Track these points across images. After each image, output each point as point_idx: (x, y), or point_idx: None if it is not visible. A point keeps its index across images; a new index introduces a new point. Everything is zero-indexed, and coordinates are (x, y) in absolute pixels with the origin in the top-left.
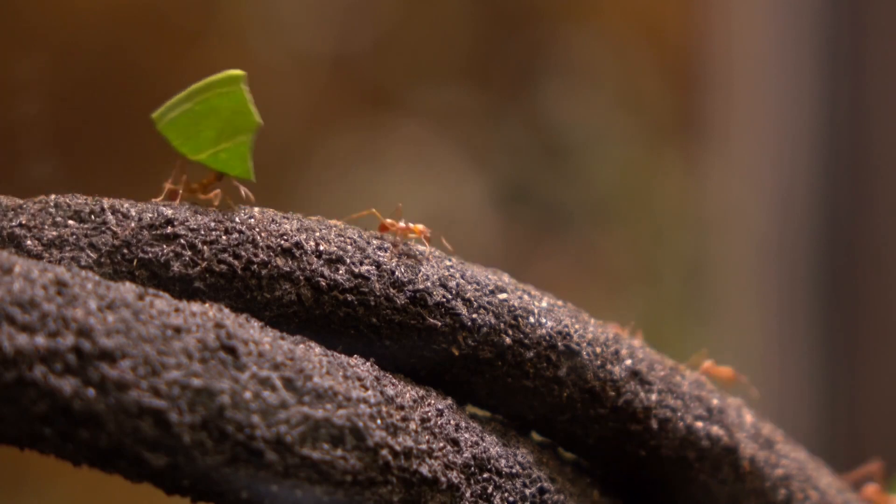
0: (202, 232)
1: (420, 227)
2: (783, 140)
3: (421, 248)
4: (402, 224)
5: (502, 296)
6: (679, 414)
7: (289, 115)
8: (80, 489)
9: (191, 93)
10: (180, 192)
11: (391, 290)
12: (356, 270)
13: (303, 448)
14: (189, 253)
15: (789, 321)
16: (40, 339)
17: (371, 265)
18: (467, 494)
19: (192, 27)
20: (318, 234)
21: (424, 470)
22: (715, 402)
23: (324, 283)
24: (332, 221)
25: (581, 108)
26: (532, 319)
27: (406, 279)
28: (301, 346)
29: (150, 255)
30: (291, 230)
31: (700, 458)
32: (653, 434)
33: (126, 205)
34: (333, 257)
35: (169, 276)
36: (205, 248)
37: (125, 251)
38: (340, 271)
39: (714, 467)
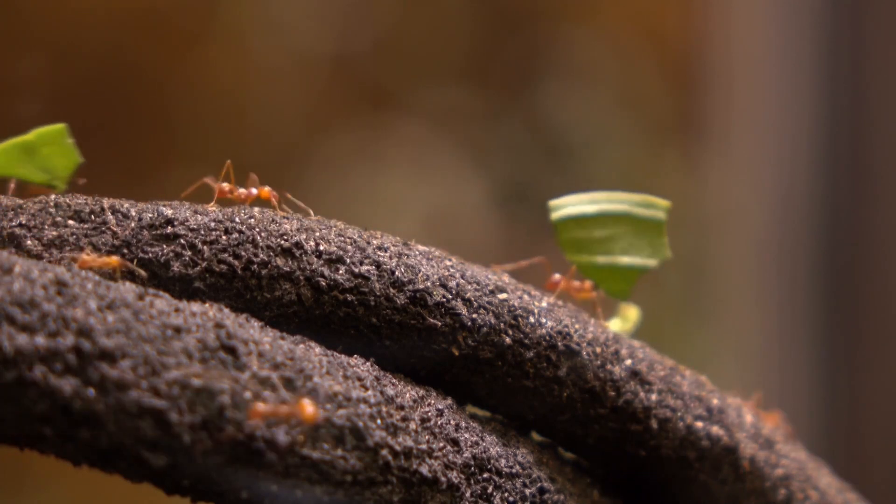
0: (202, 232)
1: (266, 189)
2: (783, 140)
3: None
4: (242, 190)
5: (502, 296)
6: (679, 414)
7: (289, 115)
8: (80, 489)
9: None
10: (561, 286)
11: (391, 289)
12: (356, 270)
13: (303, 448)
14: (189, 253)
15: (789, 321)
16: (40, 339)
17: (371, 265)
18: (467, 494)
19: (192, 28)
20: (318, 234)
21: (424, 470)
22: (715, 402)
23: (324, 283)
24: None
25: (581, 108)
26: (532, 319)
27: (406, 279)
28: (301, 346)
29: (150, 255)
30: (291, 230)
31: (700, 458)
32: (653, 434)
33: (126, 205)
34: (333, 257)
35: (169, 276)
36: (205, 248)
37: (125, 251)
38: (340, 271)
39: (714, 467)
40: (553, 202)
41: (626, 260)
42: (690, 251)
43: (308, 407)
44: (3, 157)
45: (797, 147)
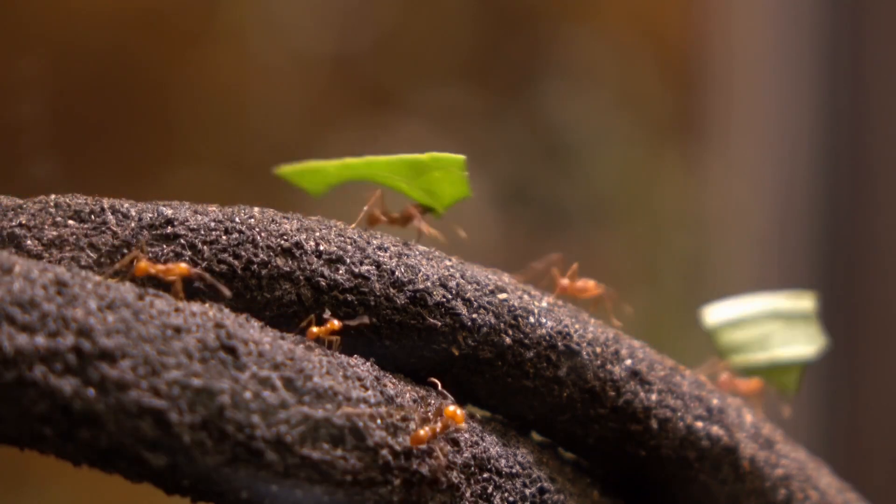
0: (202, 232)
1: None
2: (783, 140)
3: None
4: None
5: (502, 296)
6: (679, 414)
7: (289, 115)
8: (80, 489)
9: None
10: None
11: (391, 290)
12: (356, 270)
13: (303, 448)
14: (189, 253)
15: None
16: (40, 339)
17: (371, 265)
18: (467, 494)
19: (192, 28)
20: (318, 234)
21: (424, 470)
22: (715, 402)
23: (324, 283)
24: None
25: (581, 108)
26: (532, 319)
27: (406, 279)
28: (301, 346)
29: (150, 254)
30: (291, 230)
31: (700, 457)
32: (653, 434)
33: (126, 205)
34: (333, 257)
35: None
36: (205, 248)
37: (125, 251)
38: (340, 271)
39: (714, 467)
40: (705, 310)
41: (785, 353)
42: (690, 251)
43: (457, 411)
44: (390, 168)
45: (797, 147)
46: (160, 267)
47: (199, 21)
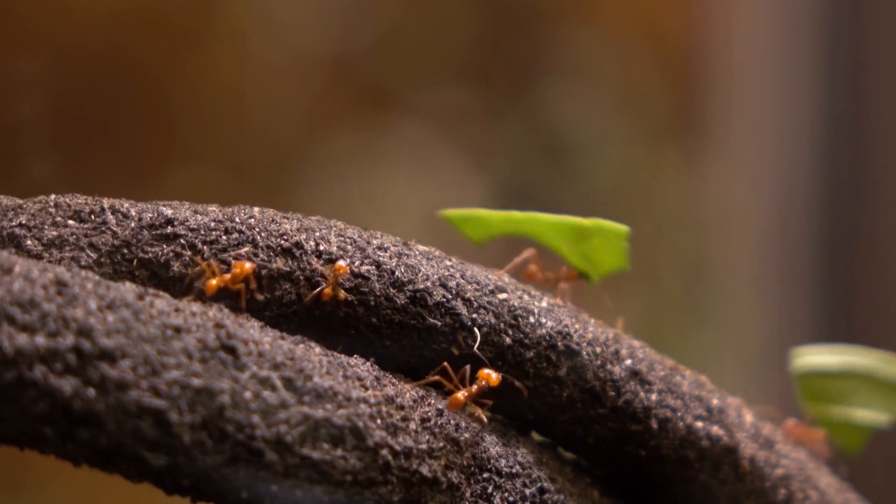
0: (202, 232)
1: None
2: (783, 140)
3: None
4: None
5: (502, 296)
6: (679, 414)
7: (289, 115)
8: (80, 489)
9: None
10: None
11: (391, 289)
12: (356, 270)
13: (303, 448)
14: (189, 253)
15: (789, 321)
16: (40, 339)
17: (371, 265)
18: (467, 494)
19: (192, 27)
20: (318, 234)
21: (424, 470)
22: (715, 402)
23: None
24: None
25: (581, 108)
26: (532, 319)
27: (406, 279)
28: (301, 346)
29: (150, 255)
30: (291, 230)
31: (700, 458)
32: (653, 434)
33: (126, 205)
34: (333, 257)
35: (169, 276)
36: (205, 248)
37: (125, 251)
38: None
39: (714, 467)
40: (797, 350)
41: (861, 415)
42: (690, 251)
43: (492, 374)
44: (553, 229)
45: (797, 147)
46: (227, 277)
47: (199, 21)
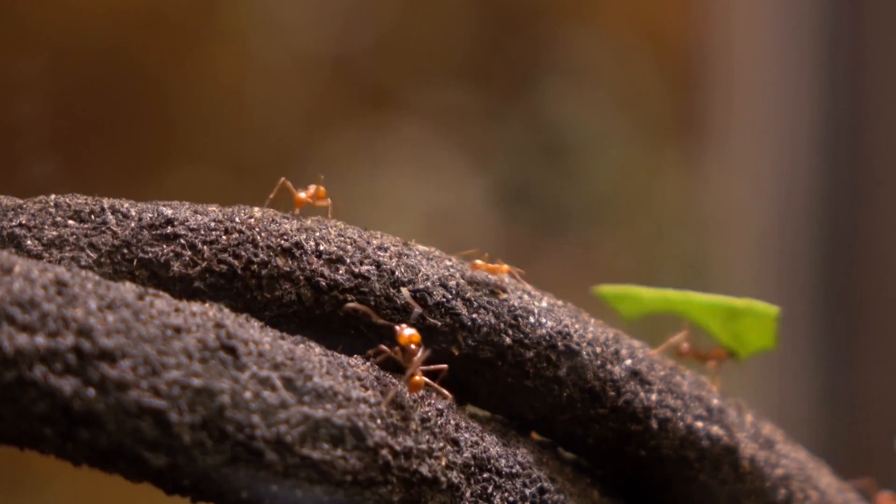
0: (202, 232)
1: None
2: (783, 140)
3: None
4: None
5: (502, 296)
6: (679, 414)
7: (289, 115)
8: (80, 489)
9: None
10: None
11: (391, 289)
12: (356, 270)
13: (303, 448)
14: (189, 253)
15: (789, 321)
16: (40, 339)
17: (371, 265)
18: (467, 494)
19: (192, 27)
20: (318, 233)
21: (424, 470)
22: (715, 402)
23: (324, 283)
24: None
25: (581, 108)
26: (532, 319)
27: (406, 279)
28: (301, 346)
29: (150, 255)
30: (291, 230)
31: (700, 457)
32: (653, 434)
33: (126, 205)
34: (333, 257)
35: (169, 276)
36: (205, 248)
37: (125, 251)
38: (340, 271)
39: (714, 467)
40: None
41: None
42: (690, 251)
43: (405, 331)
44: (706, 309)
45: (797, 147)
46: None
47: (199, 21)
